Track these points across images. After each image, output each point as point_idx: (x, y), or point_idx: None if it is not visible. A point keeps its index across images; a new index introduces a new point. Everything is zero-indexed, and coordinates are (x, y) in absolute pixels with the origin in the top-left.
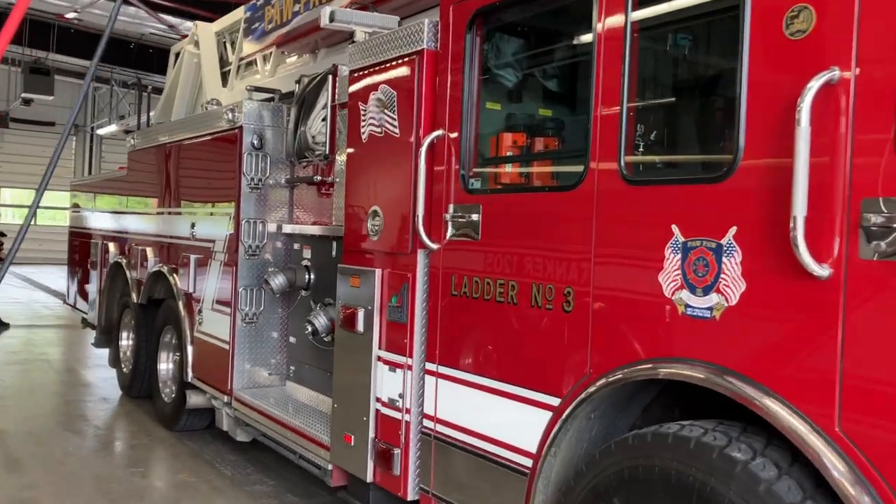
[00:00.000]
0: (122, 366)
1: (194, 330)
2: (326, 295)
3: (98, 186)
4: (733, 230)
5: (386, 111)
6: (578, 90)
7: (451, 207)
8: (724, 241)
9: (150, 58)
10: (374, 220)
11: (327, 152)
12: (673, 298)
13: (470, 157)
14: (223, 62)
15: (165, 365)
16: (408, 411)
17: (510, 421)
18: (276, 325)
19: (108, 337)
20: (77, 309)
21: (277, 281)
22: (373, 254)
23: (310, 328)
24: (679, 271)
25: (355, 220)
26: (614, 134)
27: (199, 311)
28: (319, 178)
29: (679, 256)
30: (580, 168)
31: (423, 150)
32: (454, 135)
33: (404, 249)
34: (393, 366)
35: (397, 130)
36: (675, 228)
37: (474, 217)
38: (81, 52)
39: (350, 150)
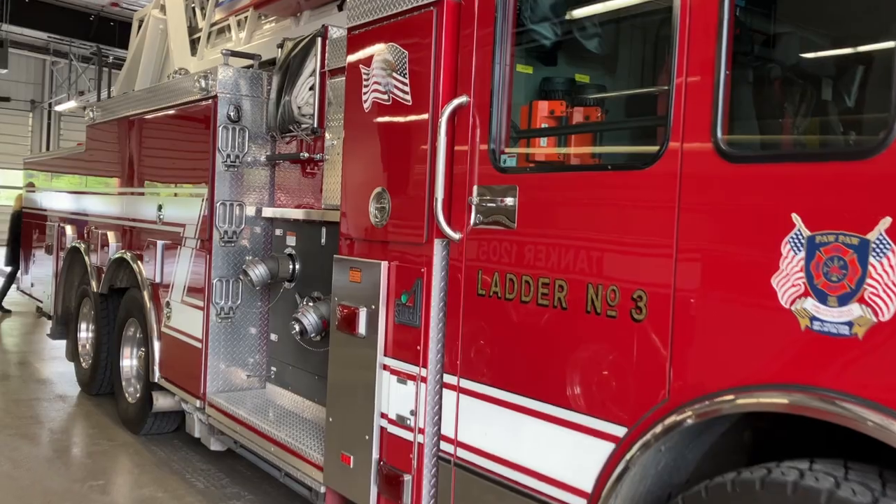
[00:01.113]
0: (81, 360)
1: (161, 324)
2: (314, 288)
3: (54, 164)
4: (886, 222)
5: (395, 75)
6: (649, 47)
7: (476, 190)
8: (871, 236)
9: (111, 31)
10: (379, 204)
11: (315, 125)
12: (792, 309)
13: (502, 129)
14: (192, 29)
15: (129, 361)
16: (421, 431)
17: (558, 451)
18: (255, 320)
19: (65, 328)
20: (32, 297)
21: (257, 271)
22: (377, 243)
23: (297, 327)
24: (802, 274)
25: (355, 204)
26: (707, 99)
27: (167, 304)
28: (306, 154)
29: (802, 255)
30: (657, 141)
31: (443, 120)
32: (482, 102)
33: (417, 239)
34: (402, 377)
35: (409, 97)
36: (796, 218)
37: (508, 201)
38: (38, 23)
39: (349, 121)
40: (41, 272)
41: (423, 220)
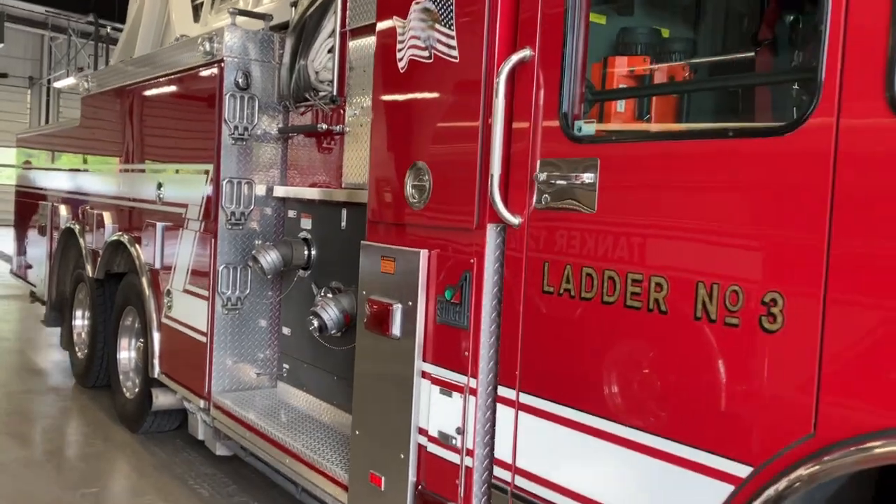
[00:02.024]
0: (77, 349)
1: (162, 314)
2: (333, 277)
3: (47, 140)
4: None
5: (438, 27)
6: None
7: (542, 164)
8: None
9: (110, 5)
10: (417, 181)
11: (335, 93)
12: None
13: (576, 88)
14: None
15: (127, 353)
16: (469, 453)
17: (651, 490)
18: (266, 312)
19: (59, 314)
20: (26, 281)
21: (269, 258)
22: (414, 228)
23: (315, 322)
24: None
25: (387, 181)
26: (881, 36)
27: (168, 292)
28: (324, 126)
29: None
30: (803, 98)
31: (502, 79)
32: (550, 57)
33: (465, 223)
34: (446, 387)
35: (456, 53)
36: None
37: (587, 178)
38: None
39: (380, 85)
40: (35, 254)
41: (472, 200)
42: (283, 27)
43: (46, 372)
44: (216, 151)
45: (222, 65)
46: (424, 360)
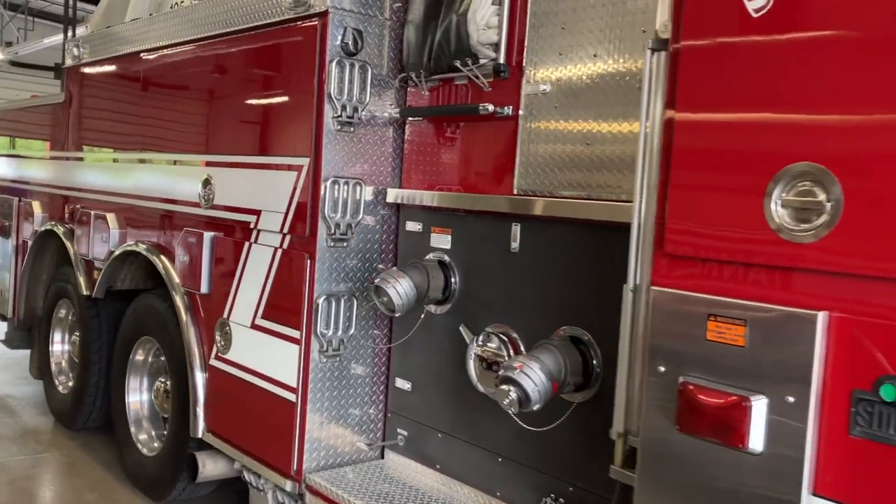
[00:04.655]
0: (56, 382)
1: (211, 353)
2: (491, 318)
3: (11, 120)
4: None
5: None
6: None
7: None
8: None
9: None
10: (798, 194)
11: (502, 60)
12: None
13: None
14: None
15: (138, 396)
16: None
17: None
18: (369, 358)
19: (28, 335)
20: None
21: (400, 288)
22: (798, 273)
23: (513, 394)
24: None
25: (714, 191)
26: None
27: (222, 325)
28: (489, 108)
29: None
30: None
31: None
32: None
33: None
34: None
35: None
36: None
37: None
38: None
39: (698, 40)
40: None
41: None
42: None
43: (12, 407)
44: (314, 140)
45: (326, 19)
46: (817, 494)
